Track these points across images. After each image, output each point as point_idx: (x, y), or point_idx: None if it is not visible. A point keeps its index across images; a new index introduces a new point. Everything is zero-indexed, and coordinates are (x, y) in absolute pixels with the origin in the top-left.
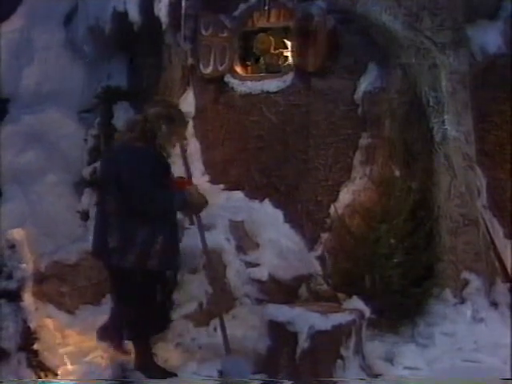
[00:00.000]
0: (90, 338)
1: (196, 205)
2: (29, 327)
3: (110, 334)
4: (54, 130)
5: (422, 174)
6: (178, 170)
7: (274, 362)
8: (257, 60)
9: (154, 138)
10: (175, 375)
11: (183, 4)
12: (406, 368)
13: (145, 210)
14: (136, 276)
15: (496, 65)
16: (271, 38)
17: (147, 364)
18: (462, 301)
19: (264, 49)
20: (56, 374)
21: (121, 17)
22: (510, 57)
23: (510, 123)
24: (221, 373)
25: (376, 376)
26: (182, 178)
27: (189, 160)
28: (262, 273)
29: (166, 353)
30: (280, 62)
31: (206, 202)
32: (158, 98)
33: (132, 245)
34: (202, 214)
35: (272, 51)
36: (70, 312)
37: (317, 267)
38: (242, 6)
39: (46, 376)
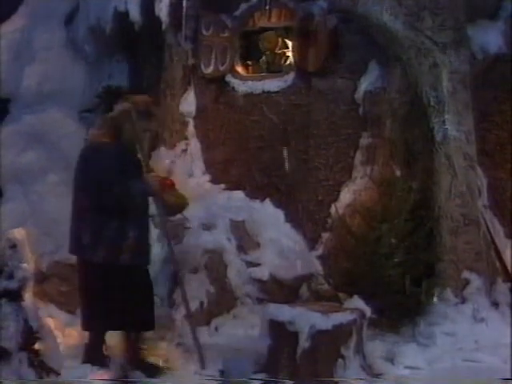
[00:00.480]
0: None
1: (174, 205)
2: (30, 327)
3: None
4: (55, 130)
5: (422, 173)
6: (178, 169)
7: (275, 362)
8: (258, 59)
9: (121, 134)
10: (162, 369)
11: (184, 4)
12: (406, 367)
13: (107, 203)
14: (109, 271)
15: (496, 64)
16: (278, 37)
17: (132, 359)
18: (463, 300)
19: (270, 47)
20: (57, 374)
21: (122, 17)
22: (510, 56)
23: (510, 123)
24: (222, 372)
25: (377, 376)
26: (165, 178)
27: (189, 159)
28: (262, 272)
29: (167, 353)
30: (281, 62)
31: (187, 203)
32: (127, 95)
33: (101, 240)
34: (202, 214)
35: (276, 51)
36: (71, 311)
37: (318, 267)
38: (243, 6)
39: (48, 376)
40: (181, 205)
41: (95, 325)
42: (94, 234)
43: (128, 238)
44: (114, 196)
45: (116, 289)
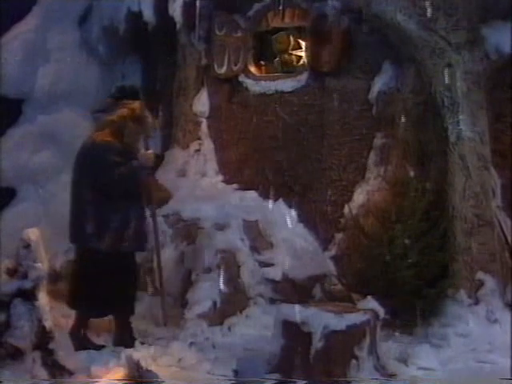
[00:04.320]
0: (104, 337)
1: (162, 199)
2: (44, 326)
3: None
4: (68, 130)
5: (436, 174)
6: (191, 169)
7: (288, 362)
8: (272, 59)
9: (122, 135)
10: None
11: (197, 4)
12: (420, 368)
13: (112, 192)
14: (110, 258)
15: (510, 65)
16: (291, 37)
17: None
18: (477, 301)
19: (283, 48)
20: (71, 373)
21: (135, 17)
22: None
23: None
24: (235, 372)
25: (390, 376)
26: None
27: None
28: (275, 272)
29: (180, 352)
30: (294, 62)
31: (170, 196)
32: (124, 102)
33: (107, 229)
34: (215, 214)
35: (290, 51)
36: None
37: (331, 267)
38: (256, 6)
39: (61, 375)
40: (164, 198)
41: (87, 309)
42: (100, 224)
43: (129, 228)
44: (114, 177)
45: (115, 274)
